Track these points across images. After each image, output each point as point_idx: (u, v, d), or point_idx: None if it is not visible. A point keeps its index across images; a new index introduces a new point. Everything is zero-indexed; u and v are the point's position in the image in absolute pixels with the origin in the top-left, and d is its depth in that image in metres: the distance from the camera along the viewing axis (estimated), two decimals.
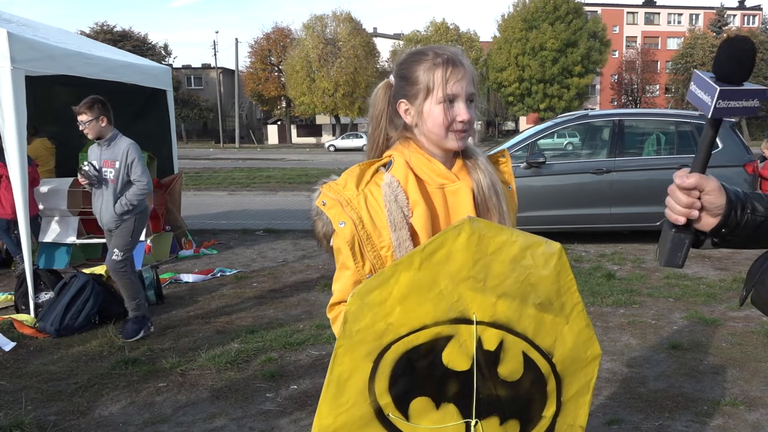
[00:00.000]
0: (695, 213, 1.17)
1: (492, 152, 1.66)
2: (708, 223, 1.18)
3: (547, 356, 1.37)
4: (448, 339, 1.30)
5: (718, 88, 1.09)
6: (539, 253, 1.32)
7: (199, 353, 4.53)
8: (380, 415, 1.32)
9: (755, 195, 1.22)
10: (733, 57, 1.10)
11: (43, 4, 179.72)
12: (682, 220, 1.18)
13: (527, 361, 1.36)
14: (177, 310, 5.69)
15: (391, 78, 1.55)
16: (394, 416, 1.32)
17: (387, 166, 1.50)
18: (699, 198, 1.17)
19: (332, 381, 1.30)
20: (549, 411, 1.41)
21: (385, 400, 1.31)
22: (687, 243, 1.20)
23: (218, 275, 7.01)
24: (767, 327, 4.91)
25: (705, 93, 1.12)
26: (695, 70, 1.17)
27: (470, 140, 1.55)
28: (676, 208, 1.17)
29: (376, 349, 1.29)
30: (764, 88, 1.12)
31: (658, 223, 8.17)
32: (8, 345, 4.71)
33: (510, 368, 1.35)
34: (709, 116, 1.12)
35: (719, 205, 1.17)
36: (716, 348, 4.52)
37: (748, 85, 1.11)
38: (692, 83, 1.16)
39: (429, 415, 1.33)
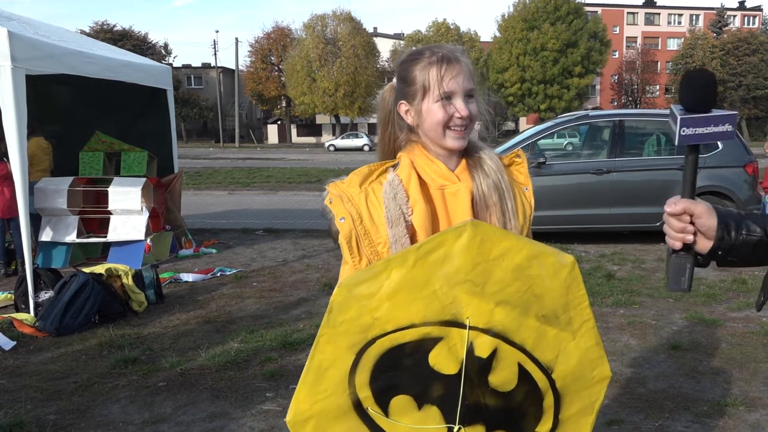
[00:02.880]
0: (689, 237, 1.22)
1: (500, 149, 1.66)
2: (704, 245, 1.23)
3: (546, 371, 1.32)
4: (436, 341, 1.27)
5: (679, 117, 1.18)
6: (548, 263, 1.28)
7: (198, 352, 4.53)
8: (358, 407, 1.30)
9: (751, 215, 1.27)
10: (694, 88, 1.19)
11: (44, 3, 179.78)
12: (678, 245, 1.23)
13: (523, 373, 1.31)
14: (177, 309, 5.69)
15: (394, 80, 1.56)
16: (372, 410, 1.30)
17: (396, 167, 1.52)
18: (692, 222, 1.22)
19: (312, 368, 1.28)
20: (544, 427, 1.36)
21: (365, 393, 1.29)
22: (689, 267, 1.24)
23: (218, 275, 7.01)
24: (767, 327, 4.91)
25: (673, 123, 1.21)
26: (671, 104, 1.25)
27: (476, 136, 1.55)
28: (672, 234, 1.24)
29: (359, 342, 1.27)
30: (732, 112, 1.19)
31: (657, 224, 8.18)
32: (8, 344, 4.71)
33: (502, 378, 1.31)
34: (676, 144, 1.21)
35: (711, 227, 1.22)
36: (716, 348, 4.52)
37: (716, 112, 1.17)
38: (670, 120, 1.24)
39: (410, 415, 1.31)
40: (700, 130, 1.20)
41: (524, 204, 1.55)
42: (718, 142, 8.05)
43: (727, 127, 1.19)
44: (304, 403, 1.30)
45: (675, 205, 1.22)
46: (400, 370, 1.29)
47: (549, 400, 1.35)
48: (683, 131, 1.20)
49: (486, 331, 1.28)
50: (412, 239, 1.41)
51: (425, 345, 1.28)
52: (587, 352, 1.34)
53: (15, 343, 4.76)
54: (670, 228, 1.24)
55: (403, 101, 1.51)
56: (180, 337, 4.92)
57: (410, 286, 1.25)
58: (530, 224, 1.57)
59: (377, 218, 1.43)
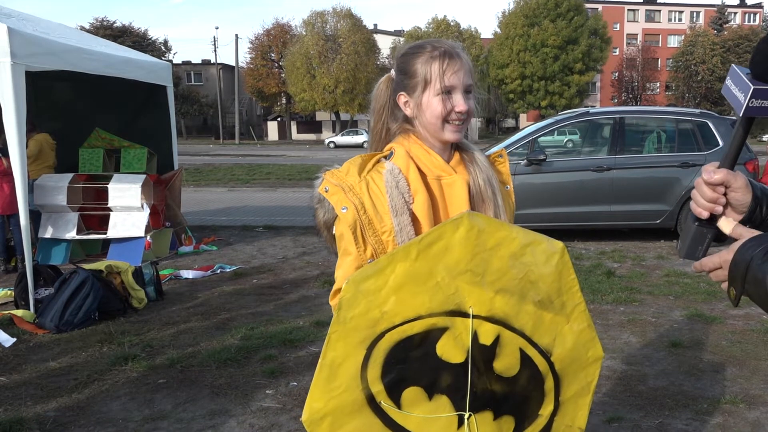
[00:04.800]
0: (719, 209, 1.15)
1: (490, 152, 1.67)
2: (732, 218, 1.16)
3: (546, 354, 1.37)
4: (442, 331, 1.31)
5: (752, 87, 1.05)
6: (540, 250, 1.32)
7: (198, 349, 4.53)
8: (372, 401, 1.32)
9: None
10: None
11: (44, 0, 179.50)
12: (705, 215, 1.16)
13: (524, 357, 1.36)
14: (177, 306, 5.69)
15: (393, 72, 1.58)
16: (385, 404, 1.32)
17: (388, 157, 1.53)
18: (725, 194, 1.15)
19: (324, 366, 1.30)
20: (546, 409, 1.40)
21: (377, 388, 1.31)
22: (709, 237, 1.17)
23: (218, 271, 7.01)
24: (767, 325, 4.91)
25: (739, 90, 1.09)
26: (733, 65, 1.13)
27: (466, 136, 1.57)
28: (701, 202, 1.16)
29: (369, 336, 1.29)
30: None
31: (658, 221, 8.18)
32: (8, 341, 4.71)
33: (506, 364, 1.35)
34: (741, 114, 1.09)
35: (744, 203, 1.15)
36: (716, 346, 4.52)
37: None
38: (728, 78, 1.13)
39: (421, 405, 1.33)
40: (767, 104, 1.06)
41: (509, 201, 1.61)
42: (719, 140, 8.05)
43: None
44: (319, 400, 1.31)
45: (713, 174, 1.14)
46: (410, 362, 1.31)
47: (549, 383, 1.39)
48: (752, 102, 1.06)
49: (488, 318, 1.32)
50: (414, 227, 1.43)
51: (432, 335, 1.31)
52: (581, 334, 1.38)
53: (15, 339, 4.75)
54: (701, 196, 1.16)
55: (402, 92, 1.53)
56: (180, 334, 4.92)
57: (414, 278, 1.28)
58: (513, 222, 1.60)
59: (380, 207, 1.44)
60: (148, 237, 7.27)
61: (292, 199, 14.13)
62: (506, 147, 8.26)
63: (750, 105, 1.06)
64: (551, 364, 1.38)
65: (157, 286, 5.89)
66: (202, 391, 3.85)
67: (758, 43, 1.08)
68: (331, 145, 46.35)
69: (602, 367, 4.18)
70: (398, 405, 1.33)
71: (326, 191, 1.45)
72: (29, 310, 5.32)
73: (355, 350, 1.29)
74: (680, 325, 5.01)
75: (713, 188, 1.14)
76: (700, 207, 1.16)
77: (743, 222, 1.16)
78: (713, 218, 1.17)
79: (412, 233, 1.41)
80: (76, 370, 4.21)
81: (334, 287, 1.51)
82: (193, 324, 5.17)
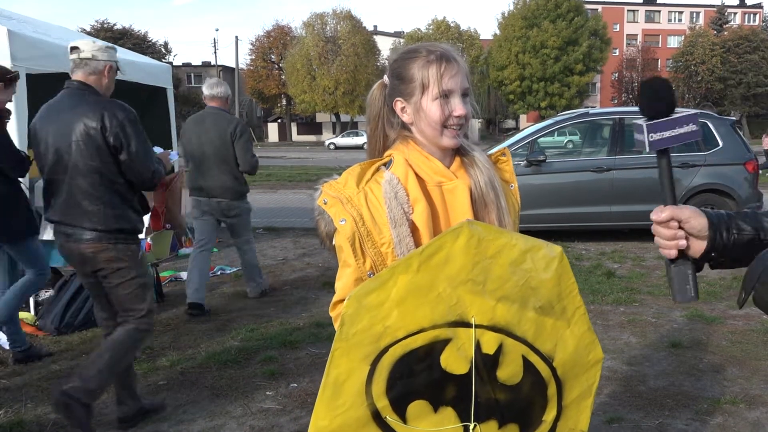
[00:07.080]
0: (683, 242, 1.21)
1: (492, 151, 1.66)
2: (698, 248, 1.23)
3: (548, 360, 1.36)
4: (446, 342, 1.29)
5: (644, 124, 1.21)
6: (540, 256, 1.31)
7: (199, 351, 4.54)
8: (377, 417, 1.31)
9: (740, 214, 1.27)
10: (652, 96, 1.22)
11: (44, 2, 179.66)
12: (673, 253, 1.22)
13: (527, 365, 1.35)
14: (177, 308, 5.69)
15: (386, 78, 1.55)
16: (391, 419, 1.31)
17: (387, 165, 1.51)
18: (681, 227, 1.22)
19: (329, 383, 1.29)
20: (549, 415, 1.40)
21: (383, 403, 1.30)
22: (690, 273, 1.23)
23: (218, 273, 7.01)
24: (767, 325, 4.91)
25: (638, 133, 1.24)
26: (634, 121, 1.28)
27: (467, 138, 1.55)
28: (664, 243, 1.23)
29: (373, 351, 1.28)
30: (694, 111, 1.22)
31: None
32: (8, 343, 4.70)
33: (509, 372, 1.34)
34: (648, 150, 1.24)
35: (702, 227, 1.22)
36: (716, 346, 4.52)
37: (678, 114, 1.21)
38: (634, 132, 1.28)
39: (427, 418, 1.32)
40: (667, 134, 1.22)
41: (513, 201, 1.58)
42: (719, 140, 8.05)
43: (692, 127, 1.22)
44: (324, 419, 1.30)
45: (661, 212, 1.22)
46: (414, 376, 1.30)
47: (552, 389, 1.38)
48: (651, 137, 1.22)
49: (490, 327, 1.31)
50: (414, 238, 1.41)
51: (436, 348, 1.29)
52: (581, 337, 1.38)
53: None
54: (661, 237, 1.23)
55: (399, 98, 1.50)
56: (180, 335, 4.92)
57: (416, 290, 1.27)
58: (518, 222, 1.58)
59: (379, 218, 1.42)
60: (149, 239, 7.25)
61: (293, 200, 14.13)
62: (506, 148, 8.26)
63: (651, 140, 1.22)
64: (553, 370, 1.37)
65: (157, 288, 5.89)
66: (203, 393, 3.85)
67: (640, 89, 1.25)
68: (332, 146, 46.35)
69: (602, 368, 4.17)
70: (404, 419, 1.31)
71: (325, 203, 1.44)
72: (30, 312, 5.32)
73: (359, 366, 1.28)
74: (680, 325, 5.01)
75: (667, 226, 1.21)
76: (666, 248, 1.22)
77: (707, 251, 1.22)
78: (683, 254, 1.23)
79: (411, 244, 1.39)
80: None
81: (334, 298, 1.50)
82: (193, 326, 5.17)
